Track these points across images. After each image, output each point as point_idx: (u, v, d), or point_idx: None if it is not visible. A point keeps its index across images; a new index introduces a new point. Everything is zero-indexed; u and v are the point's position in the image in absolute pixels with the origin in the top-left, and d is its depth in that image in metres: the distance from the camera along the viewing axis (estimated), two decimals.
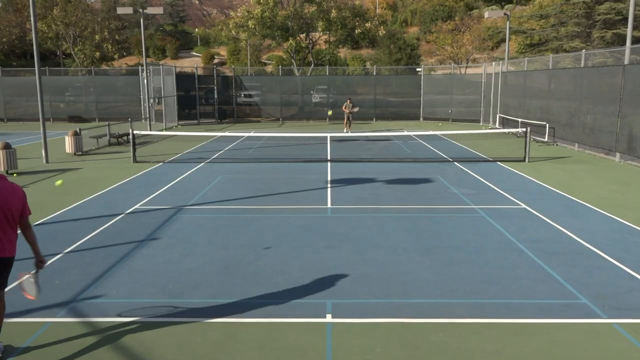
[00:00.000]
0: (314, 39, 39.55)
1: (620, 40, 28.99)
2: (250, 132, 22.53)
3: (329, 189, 12.07)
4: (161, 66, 31.27)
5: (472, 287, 6.36)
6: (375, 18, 38.51)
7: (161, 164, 15.89)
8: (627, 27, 17.86)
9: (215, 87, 33.05)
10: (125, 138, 20.73)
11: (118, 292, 6.29)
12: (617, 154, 16.04)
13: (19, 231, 4.84)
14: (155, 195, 11.55)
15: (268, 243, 8.13)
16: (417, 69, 35.60)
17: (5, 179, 4.82)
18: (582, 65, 18.52)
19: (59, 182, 10.11)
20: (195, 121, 32.04)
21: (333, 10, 34.85)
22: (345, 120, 24.48)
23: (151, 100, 27.98)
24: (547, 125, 20.44)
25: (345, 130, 24.00)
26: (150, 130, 24.47)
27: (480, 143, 20.24)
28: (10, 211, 4.67)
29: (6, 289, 6.28)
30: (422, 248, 7.85)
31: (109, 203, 10.81)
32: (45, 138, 16.54)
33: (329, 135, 18.51)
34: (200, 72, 35.26)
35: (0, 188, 4.68)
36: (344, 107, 24.56)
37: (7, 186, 4.74)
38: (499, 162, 15.80)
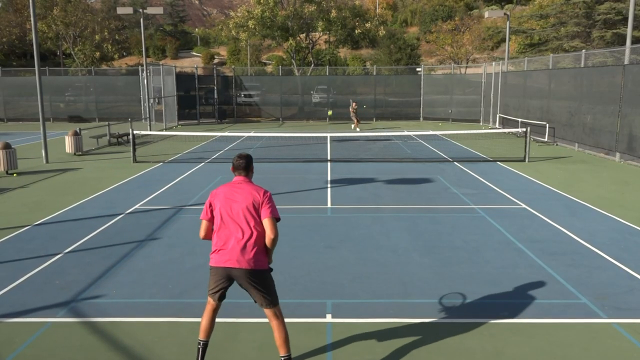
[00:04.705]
0: (314, 39, 39.56)
1: (620, 40, 29.00)
2: (250, 132, 22.53)
3: (329, 189, 12.07)
4: (161, 66, 31.27)
5: (472, 287, 6.36)
6: (375, 18, 38.50)
7: (161, 164, 15.89)
8: (627, 27, 17.86)
9: (215, 87, 33.05)
10: (125, 138, 20.74)
11: (118, 292, 6.29)
12: (617, 154, 16.04)
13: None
14: (156, 195, 11.55)
15: None
16: (417, 69, 35.60)
17: (243, 182, 4.45)
18: (582, 65, 18.52)
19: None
20: (195, 121, 32.04)
21: (333, 10, 34.87)
22: (356, 120, 26.50)
23: (151, 100, 27.99)
24: (547, 125, 20.44)
25: (357, 129, 25.89)
26: (150, 130, 24.46)
27: (480, 143, 20.24)
28: (246, 213, 4.27)
29: (9, 288, 6.35)
30: (422, 248, 7.85)
31: (109, 203, 10.80)
32: (45, 138, 16.55)
33: (329, 135, 18.51)
34: (200, 72, 35.27)
35: (228, 191, 4.42)
36: (351, 110, 26.57)
37: (240, 189, 4.41)
38: (499, 162, 15.80)
